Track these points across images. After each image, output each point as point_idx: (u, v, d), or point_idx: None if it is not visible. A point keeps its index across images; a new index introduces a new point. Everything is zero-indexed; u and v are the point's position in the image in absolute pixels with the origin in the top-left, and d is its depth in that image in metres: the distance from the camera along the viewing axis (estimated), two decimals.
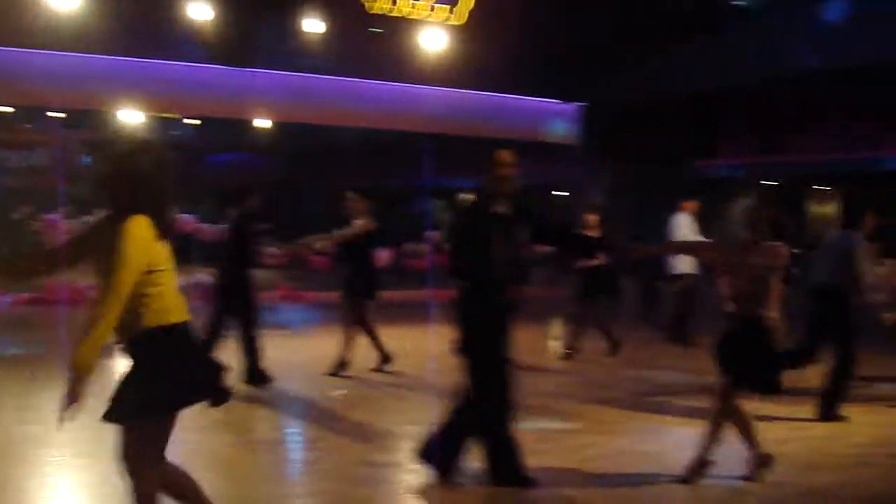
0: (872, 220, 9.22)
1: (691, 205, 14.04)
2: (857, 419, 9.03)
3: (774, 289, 6.67)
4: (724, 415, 6.82)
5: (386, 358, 11.67)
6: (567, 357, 12.93)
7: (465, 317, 6.57)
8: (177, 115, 26.95)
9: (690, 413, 9.08)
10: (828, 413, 9.02)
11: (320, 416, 9.23)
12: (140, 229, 4.32)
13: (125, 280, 4.21)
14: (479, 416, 6.56)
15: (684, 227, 13.79)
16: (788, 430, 8.59)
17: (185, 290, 13.04)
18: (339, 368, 11.22)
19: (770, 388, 6.88)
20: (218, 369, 4.65)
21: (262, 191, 10.97)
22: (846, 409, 9.19)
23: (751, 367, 6.74)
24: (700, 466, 6.78)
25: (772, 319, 6.66)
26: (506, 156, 6.67)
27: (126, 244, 4.24)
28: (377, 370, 11.53)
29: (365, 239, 11.57)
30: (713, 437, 6.81)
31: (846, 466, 7.39)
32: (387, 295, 13.88)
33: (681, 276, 13.95)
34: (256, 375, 10.36)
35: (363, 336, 11.52)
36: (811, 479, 7.03)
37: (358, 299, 11.50)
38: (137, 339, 4.38)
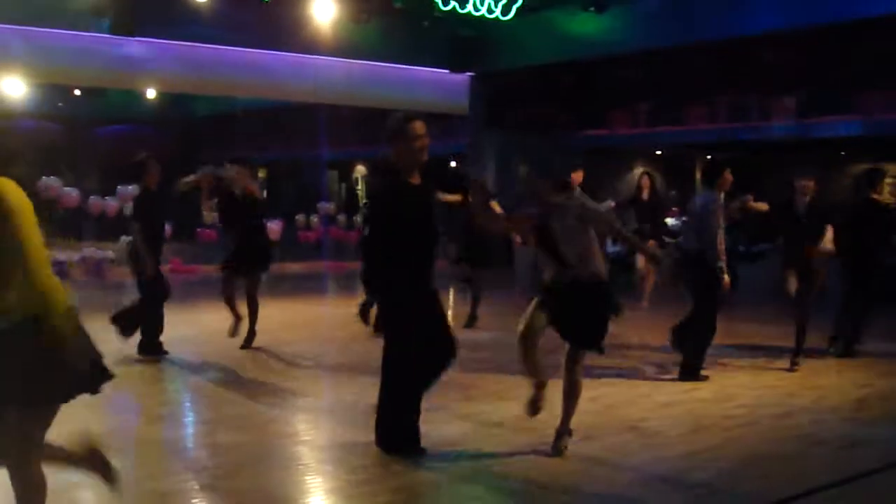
0: (730, 178, 9.49)
1: (578, 175, 14.21)
2: (740, 381, 9.32)
3: (591, 246, 6.56)
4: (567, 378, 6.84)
5: (250, 337, 11.27)
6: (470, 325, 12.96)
7: (384, 292, 6.66)
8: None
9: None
10: (688, 374, 9.43)
11: (215, 391, 9.17)
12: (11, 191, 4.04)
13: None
14: (391, 385, 6.58)
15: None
16: (674, 393, 8.82)
17: (75, 264, 12.90)
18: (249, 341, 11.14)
19: (588, 344, 6.80)
20: (96, 356, 4.33)
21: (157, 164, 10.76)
22: (732, 373, 9.54)
23: (574, 325, 6.70)
24: (559, 436, 6.81)
25: (597, 276, 6.60)
26: (419, 126, 6.48)
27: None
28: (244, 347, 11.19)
29: (250, 207, 11.06)
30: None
31: (730, 427, 7.61)
32: (279, 267, 13.76)
33: None
34: (153, 348, 10.35)
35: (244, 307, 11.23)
36: (695, 440, 7.23)
37: (245, 271, 11.16)
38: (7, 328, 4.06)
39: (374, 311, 10.70)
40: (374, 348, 11.10)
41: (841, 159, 27.76)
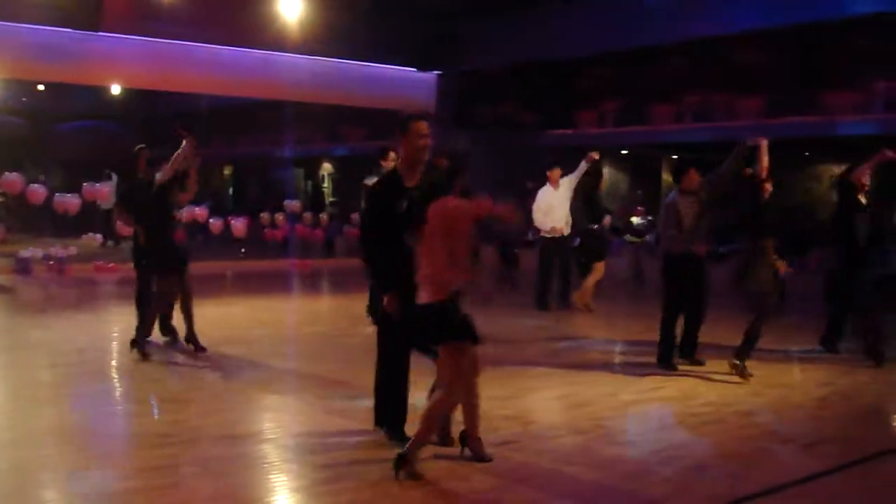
0: (695, 176, 9.68)
1: (554, 174, 14.25)
2: (706, 380, 9.36)
3: (457, 250, 6.17)
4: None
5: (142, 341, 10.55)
6: None
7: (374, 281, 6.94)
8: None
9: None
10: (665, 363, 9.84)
11: (176, 391, 9.10)
12: None
13: None
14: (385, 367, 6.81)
15: (549, 197, 14.04)
16: (639, 391, 8.85)
17: (40, 261, 12.68)
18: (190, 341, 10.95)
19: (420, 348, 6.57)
20: None
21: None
22: (698, 371, 9.62)
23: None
24: (441, 434, 6.71)
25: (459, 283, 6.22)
26: (423, 126, 6.56)
27: None
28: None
29: (162, 197, 10.45)
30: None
31: (696, 425, 7.65)
32: (246, 265, 13.69)
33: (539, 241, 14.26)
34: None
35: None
36: (661, 438, 7.28)
37: (157, 268, 10.51)
38: None
39: None
40: (338, 346, 11.15)
41: (805, 159, 28.01)
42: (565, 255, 14.32)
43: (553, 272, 14.40)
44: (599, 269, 14.29)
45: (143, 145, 10.93)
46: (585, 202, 14.40)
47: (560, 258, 14.32)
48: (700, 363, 9.99)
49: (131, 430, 7.59)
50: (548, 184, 14.20)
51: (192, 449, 6.76)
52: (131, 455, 6.82)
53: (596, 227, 14.37)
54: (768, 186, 9.60)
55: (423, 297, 6.09)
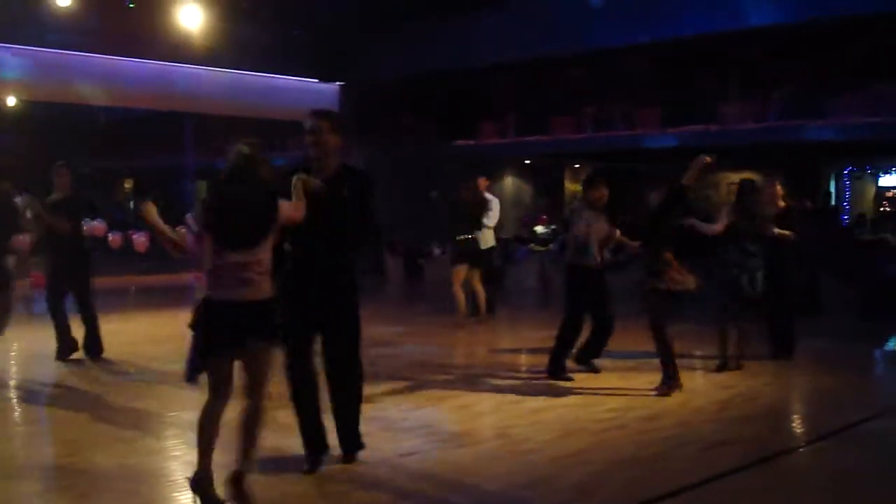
0: (604, 192, 9.79)
1: (484, 182, 14.25)
2: (610, 386, 9.43)
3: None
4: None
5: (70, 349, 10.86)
6: None
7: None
8: None
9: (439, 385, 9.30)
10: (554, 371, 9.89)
11: (77, 409, 8.89)
12: None
13: None
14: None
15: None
16: (543, 399, 8.89)
17: None
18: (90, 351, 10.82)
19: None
20: None
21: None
22: (602, 377, 9.71)
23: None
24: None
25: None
26: (306, 123, 6.47)
27: None
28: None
29: (72, 213, 10.53)
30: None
31: (598, 431, 7.70)
32: (147, 280, 13.38)
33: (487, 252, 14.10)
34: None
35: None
36: (565, 444, 7.29)
37: (63, 284, 10.71)
38: None
39: None
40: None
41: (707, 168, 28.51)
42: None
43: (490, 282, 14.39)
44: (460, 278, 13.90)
45: (63, 161, 10.73)
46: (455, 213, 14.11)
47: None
48: (596, 370, 10.08)
49: (23, 453, 7.38)
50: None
51: (93, 468, 6.60)
52: (28, 477, 6.63)
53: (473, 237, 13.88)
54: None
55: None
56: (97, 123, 31.10)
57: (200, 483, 5.57)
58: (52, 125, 33.60)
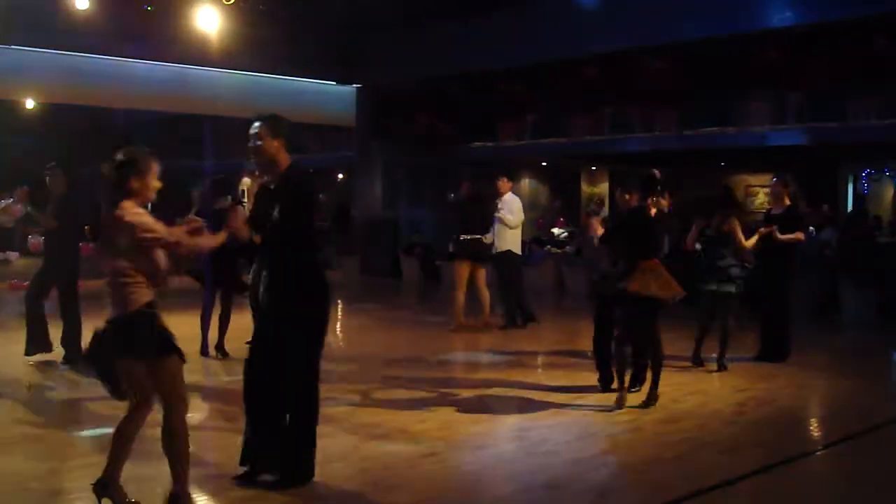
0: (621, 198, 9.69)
1: (506, 183, 14.06)
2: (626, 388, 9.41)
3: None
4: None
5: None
6: None
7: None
8: None
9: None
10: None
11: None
12: None
13: None
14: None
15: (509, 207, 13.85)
16: (560, 401, 8.88)
17: None
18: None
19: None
20: None
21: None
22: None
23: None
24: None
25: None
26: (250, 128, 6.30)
27: None
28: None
29: (64, 213, 10.48)
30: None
31: (615, 434, 7.71)
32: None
33: (503, 255, 13.95)
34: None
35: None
36: (583, 447, 7.30)
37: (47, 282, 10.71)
38: None
39: None
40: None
41: (720, 170, 28.46)
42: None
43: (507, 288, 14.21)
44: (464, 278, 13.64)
45: (54, 162, 10.73)
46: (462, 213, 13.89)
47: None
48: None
49: None
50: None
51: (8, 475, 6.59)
52: None
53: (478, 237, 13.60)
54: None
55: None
56: (115, 126, 31.19)
57: (104, 487, 5.46)
58: (70, 128, 33.78)
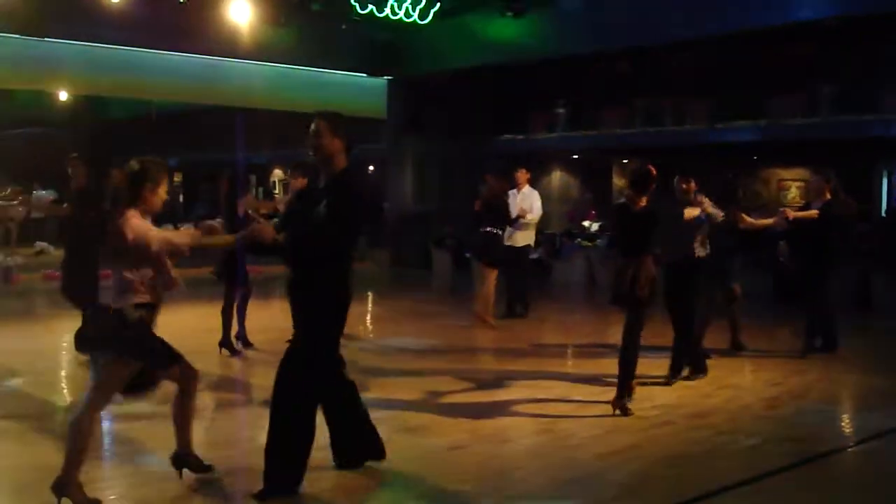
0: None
1: (524, 176, 14.08)
2: (657, 382, 9.37)
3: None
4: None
5: None
6: None
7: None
8: None
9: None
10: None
11: None
12: None
13: None
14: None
15: (528, 201, 13.83)
16: (589, 395, 8.85)
17: None
18: None
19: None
20: None
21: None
22: (649, 374, 9.61)
23: None
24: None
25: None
26: (310, 126, 6.18)
27: None
28: None
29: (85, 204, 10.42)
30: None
31: (644, 428, 7.67)
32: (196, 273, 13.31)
33: (521, 249, 13.94)
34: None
35: None
36: (611, 441, 7.28)
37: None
38: None
39: None
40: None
41: (752, 164, 28.26)
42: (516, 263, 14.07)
43: (514, 280, 14.21)
44: (490, 277, 13.29)
45: (75, 155, 10.78)
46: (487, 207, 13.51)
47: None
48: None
49: None
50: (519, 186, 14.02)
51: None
52: None
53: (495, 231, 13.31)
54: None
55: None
56: (148, 117, 31.41)
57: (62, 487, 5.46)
58: (104, 119, 34.05)
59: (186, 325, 11.12)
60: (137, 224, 5.51)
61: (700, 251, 9.56)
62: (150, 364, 5.59)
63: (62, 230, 10.77)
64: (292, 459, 5.84)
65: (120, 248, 5.49)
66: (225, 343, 10.80)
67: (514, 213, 13.61)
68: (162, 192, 5.65)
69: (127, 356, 5.50)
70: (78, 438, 5.44)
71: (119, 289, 5.53)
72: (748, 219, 10.80)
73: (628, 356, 8.27)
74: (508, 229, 13.66)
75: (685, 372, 9.58)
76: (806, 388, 9.45)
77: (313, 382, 5.94)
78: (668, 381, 9.35)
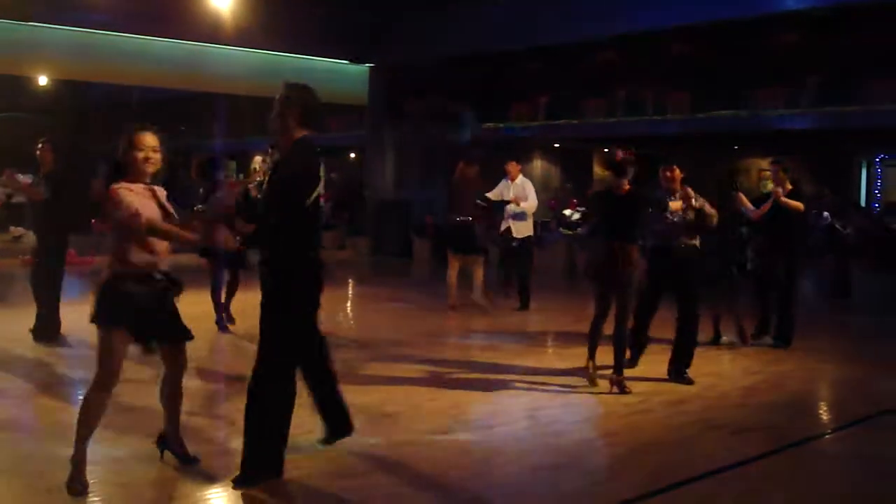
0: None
1: (515, 168, 14.03)
2: (637, 370, 9.42)
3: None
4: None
5: None
6: None
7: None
8: None
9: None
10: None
11: None
12: None
13: None
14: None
15: (521, 191, 13.83)
16: (570, 382, 8.90)
17: None
18: None
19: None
20: None
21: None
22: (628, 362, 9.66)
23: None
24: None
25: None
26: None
27: None
28: None
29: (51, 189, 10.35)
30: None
31: (625, 415, 7.73)
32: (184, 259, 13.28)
33: (522, 240, 13.96)
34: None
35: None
36: (592, 427, 7.36)
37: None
38: None
39: None
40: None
41: (733, 153, 28.40)
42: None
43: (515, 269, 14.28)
44: (453, 264, 13.52)
45: (46, 139, 10.74)
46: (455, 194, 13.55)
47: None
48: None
49: None
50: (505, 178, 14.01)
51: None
52: None
53: (467, 219, 13.25)
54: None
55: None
56: (129, 103, 31.31)
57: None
58: (83, 104, 33.88)
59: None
60: (125, 188, 5.57)
61: (690, 241, 9.47)
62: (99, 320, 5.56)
63: (34, 214, 10.67)
64: (268, 445, 5.79)
65: (111, 215, 5.53)
66: (219, 322, 10.99)
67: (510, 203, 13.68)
68: (143, 155, 5.66)
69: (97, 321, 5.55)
70: (81, 414, 5.56)
71: (107, 262, 5.63)
72: (747, 202, 10.84)
73: (620, 332, 8.61)
74: (506, 219, 13.76)
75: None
76: (783, 377, 9.53)
77: (285, 365, 5.83)
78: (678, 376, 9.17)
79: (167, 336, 5.80)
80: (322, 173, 5.81)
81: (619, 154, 8.72)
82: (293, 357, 5.90)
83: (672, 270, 9.26)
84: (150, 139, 5.69)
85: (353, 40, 23.57)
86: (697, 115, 23.64)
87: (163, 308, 5.71)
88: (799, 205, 10.90)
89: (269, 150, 10.57)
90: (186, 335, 5.85)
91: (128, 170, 5.65)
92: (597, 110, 26.04)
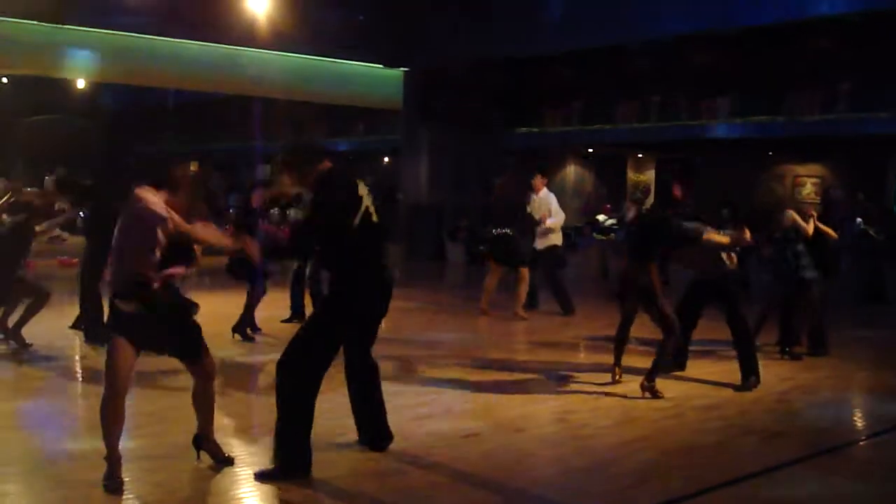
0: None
1: (540, 182, 14.03)
2: (669, 375, 9.40)
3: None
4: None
5: None
6: None
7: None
8: None
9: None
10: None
11: None
12: None
13: None
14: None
15: (545, 205, 13.84)
16: (602, 386, 8.88)
17: None
18: None
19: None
20: None
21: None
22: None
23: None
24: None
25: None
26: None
27: None
28: None
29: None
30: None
31: (657, 419, 7.72)
32: (210, 261, 13.38)
33: (550, 250, 13.99)
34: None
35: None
36: (623, 431, 7.34)
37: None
38: None
39: None
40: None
41: (769, 159, 28.24)
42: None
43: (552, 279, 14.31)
44: (495, 271, 13.67)
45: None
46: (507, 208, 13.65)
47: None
48: None
49: None
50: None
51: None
52: None
53: (506, 231, 13.34)
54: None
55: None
56: (166, 106, 31.56)
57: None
58: (122, 107, 34.18)
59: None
60: (152, 200, 5.70)
61: (728, 265, 9.43)
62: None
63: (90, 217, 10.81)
64: (293, 444, 5.92)
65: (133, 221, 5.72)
66: (240, 330, 10.97)
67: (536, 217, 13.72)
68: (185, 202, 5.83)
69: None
70: (101, 419, 5.64)
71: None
72: (803, 224, 10.72)
73: (664, 344, 8.63)
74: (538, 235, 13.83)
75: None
76: (816, 383, 9.49)
77: (309, 369, 5.97)
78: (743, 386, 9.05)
79: (173, 354, 5.99)
80: (363, 191, 6.13)
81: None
82: (317, 364, 6.02)
83: (714, 297, 9.35)
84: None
85: (388, 44, 23.65)
86: (735, 119, 23.56)
87: (171, 325, 5.80)
88: (832, 233, 11.02)
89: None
90: (193, 355, 5.92)
91: (166, 187, 5.79)
92: (630, 115, 25.98)
